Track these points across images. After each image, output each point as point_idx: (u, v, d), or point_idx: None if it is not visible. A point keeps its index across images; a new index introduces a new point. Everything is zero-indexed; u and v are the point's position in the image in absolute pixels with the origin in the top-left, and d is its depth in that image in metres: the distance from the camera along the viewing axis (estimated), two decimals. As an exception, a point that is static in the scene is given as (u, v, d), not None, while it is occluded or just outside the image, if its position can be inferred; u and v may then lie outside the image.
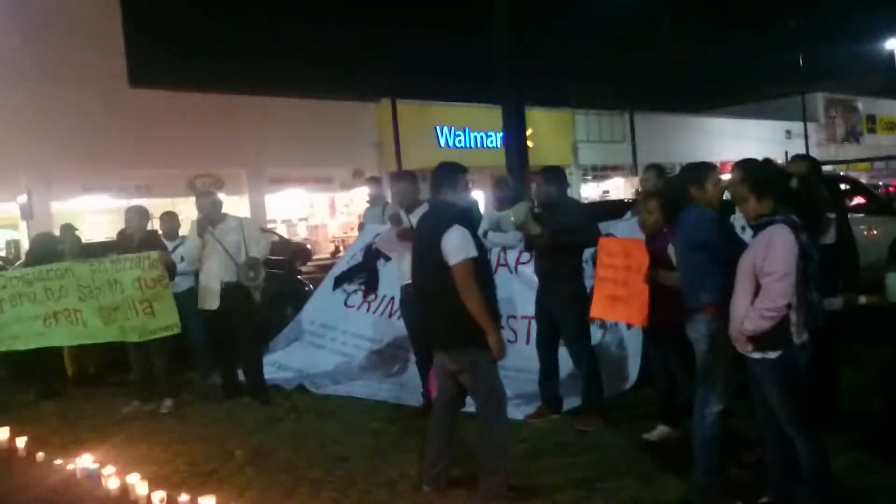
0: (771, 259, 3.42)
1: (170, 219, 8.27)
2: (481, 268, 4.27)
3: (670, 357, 5.01)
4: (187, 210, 23.20)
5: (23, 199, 18.42)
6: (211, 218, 6.92)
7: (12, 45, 19.67)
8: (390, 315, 7.90)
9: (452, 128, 31.62)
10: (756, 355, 3.57)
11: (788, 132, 43.87)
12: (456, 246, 4.16)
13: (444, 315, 4.24)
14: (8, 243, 17.95)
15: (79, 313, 7.09)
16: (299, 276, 11.76)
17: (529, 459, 4.87)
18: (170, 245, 7.68)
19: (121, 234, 7.71)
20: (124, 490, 4.68)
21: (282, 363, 8.00)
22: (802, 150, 37.77)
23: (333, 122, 27.84)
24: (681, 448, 4.62)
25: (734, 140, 41.71)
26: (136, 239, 7.23)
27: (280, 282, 9.74)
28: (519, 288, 6.99)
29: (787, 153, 31.64)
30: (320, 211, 30.23)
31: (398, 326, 7.46)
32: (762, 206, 3.56)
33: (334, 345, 8.12)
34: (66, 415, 6.97)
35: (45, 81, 20.35)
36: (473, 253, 4.18)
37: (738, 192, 3.69)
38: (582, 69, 35.09)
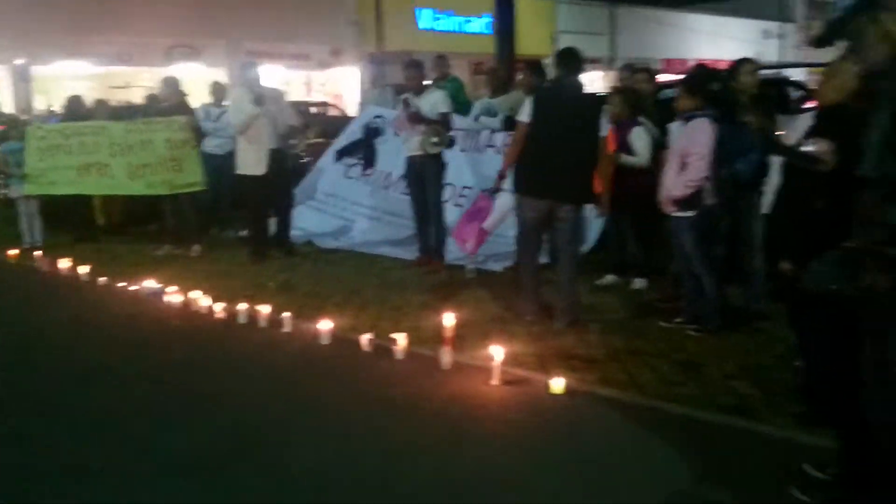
0: (695, 143, 4.66)
1: (219, 88, 9.22)
2: None
3: (624, 223, 6.29)
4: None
5: (20, 61, 18.83)
6: (263, 90, 7.51)
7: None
8: (386, 187, 9.03)
9: (434, 9, 31.43)
10: (677, 214, 4.87)
11: (766, 32, 44.15)
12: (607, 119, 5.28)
13: (583, 174, 5.26)
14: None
15: (108, 167, 8.18)
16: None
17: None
18: (217, 111, 8.68)
19: (149, 98, 8.68)
20: (187, 304, 5.93)
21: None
22: (777, 51, 38.56)
23: (314, -1, 27.83)
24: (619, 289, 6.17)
25: (712, 38, 42.08)
26: (168, 105, 8.20)
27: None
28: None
29: (760, 53, 32.43)
30: (296, 88, 30.12)
31: (393, 196, 8.65)
32: (690, 102, 4.77)
33: (335, 210, 9.24)
34: (104, 255, 8.07)
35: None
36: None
37: (678, 92, 4.88)
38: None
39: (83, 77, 23.75)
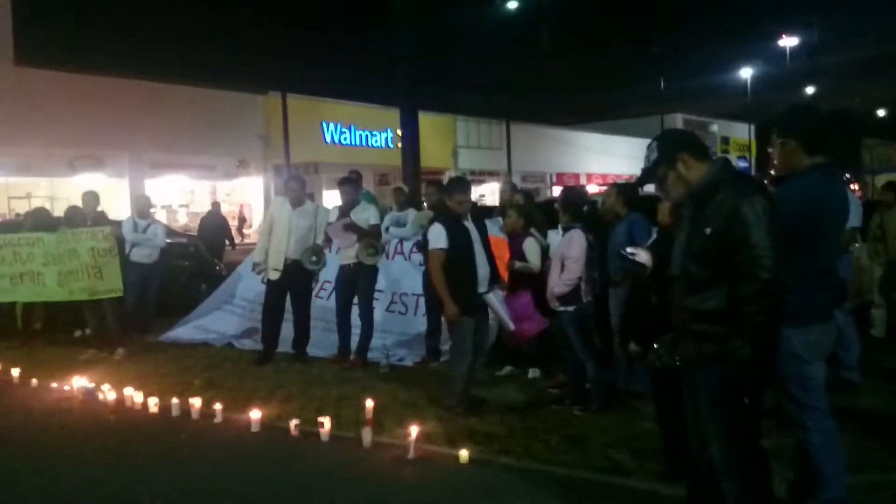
0: (571, 250, 5.66)
1: (144, 201, 9.96)
2: (453, 255, 5.72)
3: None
4: (65, 191, 22.94)
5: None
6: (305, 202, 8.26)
7: None
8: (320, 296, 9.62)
9: (339, 125, 32.94)
10: (561, 308, 5.80)
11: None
12: (432, 237, 5.86)
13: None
14: None
15: (41, 276, 8.58)
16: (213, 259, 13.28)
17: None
18: (143, 223, 9.34)
19: (70, 210, 9.19)
20: (121, 401, 6.33)
21: (206, 327, 9.67)
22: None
23: (220, 111, 28.30)
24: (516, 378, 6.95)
25: (600, 154, 45.52)
26: (89, 218, 8.74)
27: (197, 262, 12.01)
28: (410, 270, 8.91)
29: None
30: (201, 198, 29.95)
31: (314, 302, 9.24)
32: (566, 218, 5.81)
33: (254, 314, 9.76)
34: (30, 359, 8.31)
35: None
36: (442, 244, 5.78)
37: (559, 208, 5.91)
38: (465, 77, 37.54)
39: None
